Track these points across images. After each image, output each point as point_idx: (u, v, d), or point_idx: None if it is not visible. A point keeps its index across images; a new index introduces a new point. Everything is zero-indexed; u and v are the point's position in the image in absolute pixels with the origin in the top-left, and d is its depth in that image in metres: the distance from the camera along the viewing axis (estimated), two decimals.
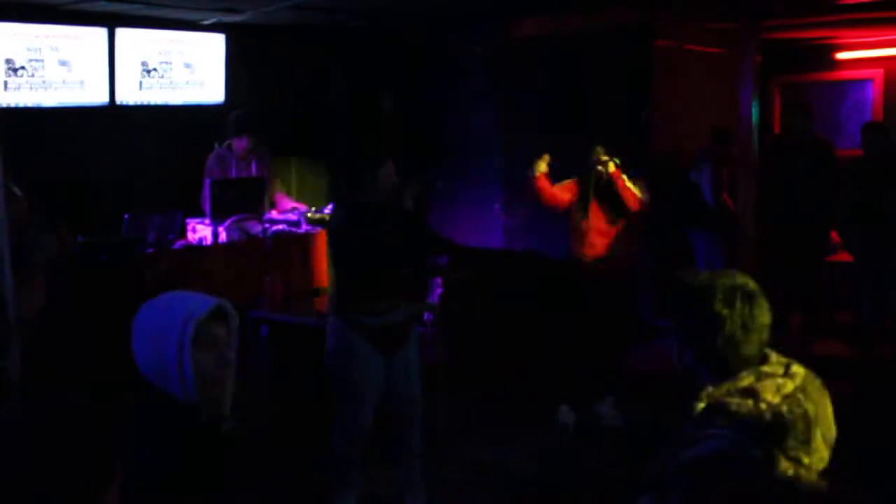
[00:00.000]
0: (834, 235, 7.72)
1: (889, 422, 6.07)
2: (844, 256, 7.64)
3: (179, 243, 6.48)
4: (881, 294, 6.65)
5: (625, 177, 6.32)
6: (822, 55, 9.41)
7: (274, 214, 7.11)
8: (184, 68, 7.56)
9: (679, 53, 8.41)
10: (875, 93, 9.28)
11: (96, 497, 1.67)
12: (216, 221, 6.56)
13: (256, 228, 6.76)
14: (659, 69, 8.19)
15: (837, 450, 5.42)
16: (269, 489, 5.09)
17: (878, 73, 9.24)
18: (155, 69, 7.38)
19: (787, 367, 2.66)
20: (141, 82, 7.30)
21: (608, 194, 6.37)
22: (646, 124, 8.12)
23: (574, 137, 6.83)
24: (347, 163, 4.81)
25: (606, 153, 6.37)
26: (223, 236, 6.55)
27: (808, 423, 2.54)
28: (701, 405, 2.53)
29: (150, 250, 6.15)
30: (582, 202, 6.45)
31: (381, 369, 4.65)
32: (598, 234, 6.43)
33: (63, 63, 6.83)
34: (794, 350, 7.59)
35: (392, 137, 8.71)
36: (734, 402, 2.51)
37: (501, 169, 8.72)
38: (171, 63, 7.46)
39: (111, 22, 6.97)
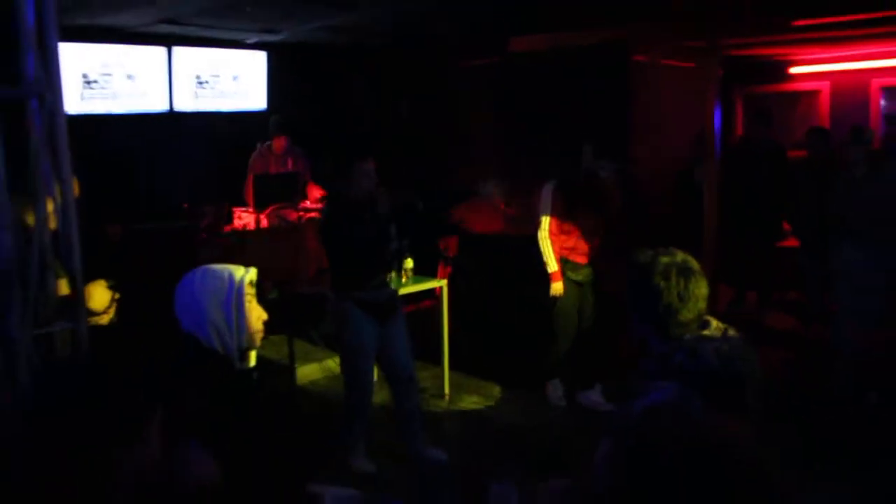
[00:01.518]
0: (785, 225, 7.75)
1: (823, 383, 6.13)
2: (793, 242, 7.66)
3: (227, 229, 6.57)
4: (824, 278, 6.64)
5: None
6: (778, 69, 9.40)
7: (307, 203, 7.18)
8: (231, 80, 7.65)
9: (654, 67, 8.42)
10: (823, 102, 9.28)
11: (140, 428, 1.77)
12: (258, 210, 6.63)
13: (292, 216, 6.82)
14: (637, 81, 8.21)
15: (776, 404, 5.49)
16: (296, 430, 5.20)
17: (825, 85, 9.23)
18: (207, 81, 7.47)
19: (725, 331, 2.72)
20: (195, 92, 7.40)
21: (596, 198, 5.82)
22: (626, 129, 8.13)
23: (562, 140, 6.83)
24: (341, 161, 4.88)
25: (596, 155, 5.83)
26: (264, 222, 6.62)
27: (741, 379, 2.61)
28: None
29: (204, 235, 6.23)
30: (573, 208, 5.79)
31: (375, 334, 4.78)
32: (589, 234, 5.84)
33: (129, 77, 6.93)
34: (748, 322, 7.58)
35: (410, 139, 8.80)
36: (678, 359, 2.58)
37: (502, 165, 8.76)
38: (220, 76, 7.55)
39: (169, 42, 7.06)
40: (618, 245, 5.74)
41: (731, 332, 2.74)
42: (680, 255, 2.66)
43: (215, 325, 2.62)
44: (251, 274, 2.72)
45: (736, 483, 1.21)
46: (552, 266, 5.76)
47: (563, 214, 5.77)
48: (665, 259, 2.63)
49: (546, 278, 5.81)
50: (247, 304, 2.67)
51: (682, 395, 2.47)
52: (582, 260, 5.84)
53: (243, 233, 6.56)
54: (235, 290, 2.64)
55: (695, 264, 2.66)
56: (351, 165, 4.74)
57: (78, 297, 3.00)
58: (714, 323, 2.72)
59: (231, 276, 2.68)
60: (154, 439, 1.81)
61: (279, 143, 7.32)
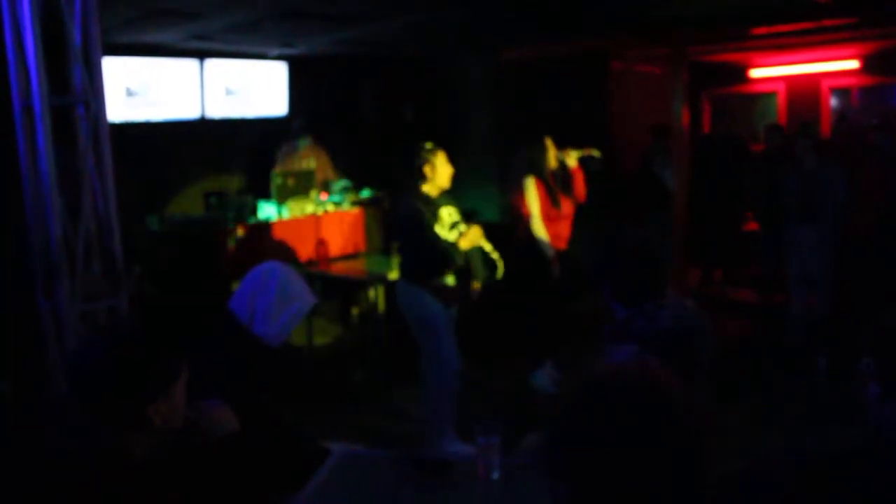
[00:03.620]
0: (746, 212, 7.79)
1: (780, 347, 6.19)
2: (754, 226, 7.71)
3: (252, 219, 6.55)
4: (780, 256, 6.68)
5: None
6: (739, 73, 9.40)
7: (323, 196, 7.20)
8: (256, 89, 7.65)
9: (630, 72, 8.44)
10: (780, 102, 9.28)
11: (168, 384, 1.83)
12: (279, 202, 6.67)
13: (310, 207, 6.86)
14: (614, 84, 8.24)
15: (738, 365, 5.51)
16: (313, 396, 5.24)
17: (781, 87, 9.24)
18: (234, 90, 7.49)
19: (680, 300, 2.77)
20: (224, 100, 7.39)
21: (567, 187, 5.72)
22: (605, 126, 8.16)
23: (550, 137, 6.80)
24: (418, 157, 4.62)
25: (558, 147, 5.71)
26: (284, 214, 6.66)
27: (693, 341, 2.65)
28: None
29: (230, 225, 6.24)
30: (553, 195, 5.65)
31: (445, 315, 4.61)
32: (566, 220, 5.73)
33: (166, 87, 6.94)
34: (715, 296, 7.61)
35: (414, 139, 8.80)
36: (638, 324, 2.62)
37: (496, 161, 8.79)
38: (246, 85, 7.54)
39: (202, 55, 7.07)
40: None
41: (686, 302, 2.78)
42: (639, 235, 2.71)
43: (267, 315, 2.60)
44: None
45: (676, 433, 1.23)
46: (552, 251, 5.55)
47: (546, 204, 5.64)
48: (627, 238, 2.68)
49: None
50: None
51: (640, 356, 2.53)
52: (563, 246, 5.70)
53: (266, 223, 6.56)
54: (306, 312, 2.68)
55: (652, 243, 2.71)
56: (428, 160, 4.55)
57: (117, 277, 3.06)
58: (672, 293, 2.76)
59: (310, 298, 2.70)
60: (180, 395, 1.86)
61: (302, 143, 7.33)
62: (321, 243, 6.40)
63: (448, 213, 4.66)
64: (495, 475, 2.62)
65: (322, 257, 6.35)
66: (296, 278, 2.72)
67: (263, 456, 2.34)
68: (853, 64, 8.66)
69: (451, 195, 4.79)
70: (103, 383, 1.77)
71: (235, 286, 2.73)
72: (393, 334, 6.96)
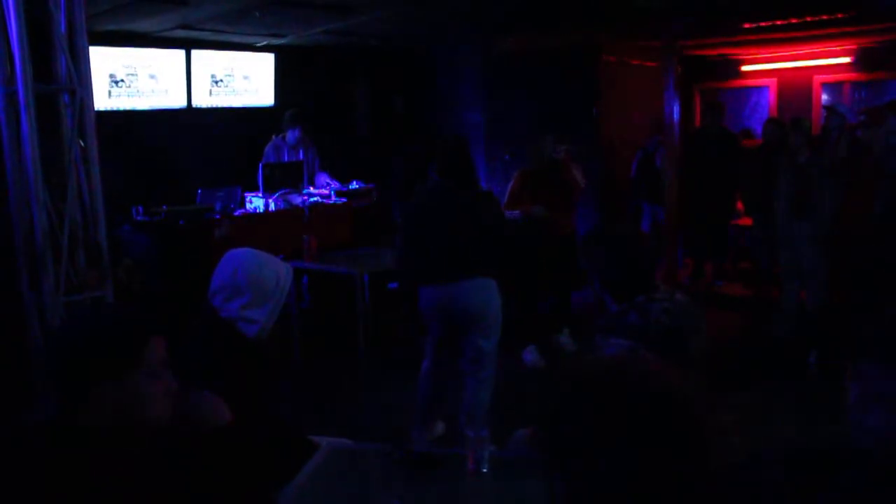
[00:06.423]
0: (739, 204, 7.81)
1: (771, 341, 6.23)
2: (746, 220, 7.74)
3: (239, 211, 6.54)
4: (772, 250, 6.71)
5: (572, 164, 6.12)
6: (731, 67, 9.42)
7: (311, 189, 7.18)
8: (243, 79, 7.61)
9: (621, 65, 8.44)
10: (771, 96, 9.31)
11: (116, 369, 1.78)
12: (266, 194, 6.63)
13: (297, 200, 6.83)
14: (606, 78, 8.24)
15: (728, 359, 5.53)
16: (299, 393, 5.23)
17: (772, 81, 9.26)
18: (221, 80, 7.44)
19: (673, 294, 2.77)
20: (210, 90, 7.35)
21: (557, 178, 6.07)
22: (596, 119, 8.18)
23: (541, 129, 6.83)
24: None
25: (556, 142, 6.09)
26: (272, 206, 6.64)
27: (685, 334, 2.65)
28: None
29: (217, 216, 6.22)
30: (541, 185, 6.05)
31: None
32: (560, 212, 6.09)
33: (152, 76, 6.88)
34: (707, 290, 7.64)
35: (403, 130, 8.81)
36: (631, 318, 2.63)
37: (485, 153, 8.79)
38: (233, 75, 7.51)
39: (188, 45, 7.04)
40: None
41: (678, 295, 2.79)
42: (630, 229, 2.72)
43: (244, 315, 2.53)
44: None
45: (674, 426, 1.23)
46: (520, 208, 5.94)
47: (527, 195, 5.97)
48: (618, 232, 2.69)
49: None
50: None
51: (633, 350, 2.54)
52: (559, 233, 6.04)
53: (253, 215, 6.54)
54: (287, 288, 2.62)
55: (643, 237, 2.72)
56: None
57: (103, 268, 3.04)
58: (663, 286, 2.77)
59: (285, 278, 2.61)
60: (136, 386, 1.80)
61: (293, 135, 7.28)
62: (308, 235, 6.36)
63: None
64: (484, 468, 2.62)
65: (309, 250, 6.31)
66: (264, 263, 2.59)
67: (253, 449, 2.33)
68: (845, 59, 8.70)
69: None
70: (56, 358, 1.83)
71: None
72: (380, 327, 6.95)
